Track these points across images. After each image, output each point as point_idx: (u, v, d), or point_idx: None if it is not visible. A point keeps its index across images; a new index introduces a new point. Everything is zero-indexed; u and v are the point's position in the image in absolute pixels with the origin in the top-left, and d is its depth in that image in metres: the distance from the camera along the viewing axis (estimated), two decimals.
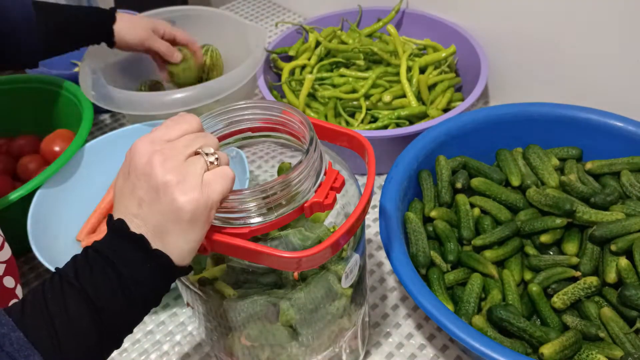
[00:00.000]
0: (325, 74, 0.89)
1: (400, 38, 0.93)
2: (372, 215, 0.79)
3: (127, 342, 0.67)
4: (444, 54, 0.88)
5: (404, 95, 0.84)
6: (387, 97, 0.82)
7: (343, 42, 0.93)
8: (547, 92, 0.87)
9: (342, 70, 0.88)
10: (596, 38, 0.77)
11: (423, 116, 0.82)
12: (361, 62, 0.88)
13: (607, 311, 0.56)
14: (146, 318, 0.69)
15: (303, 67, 0.94)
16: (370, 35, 0.96)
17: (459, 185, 0.68)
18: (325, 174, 0.41)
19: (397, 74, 0.86)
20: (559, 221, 0.60)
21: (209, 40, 1.01)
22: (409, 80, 0.84)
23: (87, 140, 0.79)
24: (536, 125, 0.71)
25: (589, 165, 0.68)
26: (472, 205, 0.67)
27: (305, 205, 0.40)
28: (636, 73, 0.75)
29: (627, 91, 0.77)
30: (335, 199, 0.40)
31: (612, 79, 0.78)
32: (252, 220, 0.38)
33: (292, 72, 0.93)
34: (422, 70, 0.88)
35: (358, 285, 0.50)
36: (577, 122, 0.70)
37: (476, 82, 0.81)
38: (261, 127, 0.45)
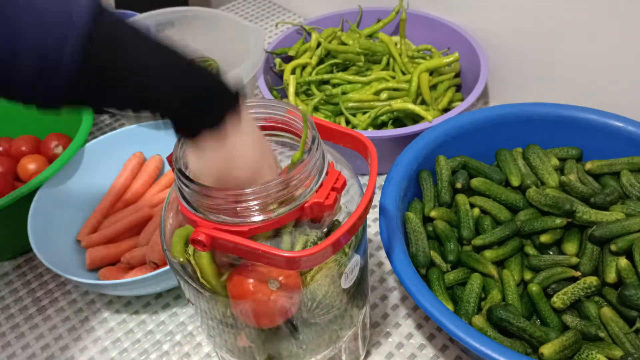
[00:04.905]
0: (325, 76, 0.89)
1: (396, 40, 0.93)
2: (372, 215, 0.79)
3: (127, 342, 0.67)
4: (446, 60, 0.86)
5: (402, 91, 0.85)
6: (384, 95, 0.83)
7: (343, 43, 0.93)
8: (547, 92, 0.87)
9: (341, 75, 0.88)
10: (596, 38, 0.77)
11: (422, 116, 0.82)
12: (361, 64, 0.89)
13: (607, 311, 0.56)
14: (146, 318, 0.69)
15: (304, 67, 0.94)
16: (370, 36, 0.96)
17: (458, 185, 0.68)
18: (326, 174, 0.41)
19: (395, 77, 0.87)
20: (558, 221, 0.60)
21: (207, 40, 1.01)
22: (409, 81, 0.84)
23: (87, 141, 0.79)
24: (536, 125, 0.71)
25: (588, 166, 0.68)
26: (472, 205, 0.67)
27: (306, 205, 0.40)
28: (636, 73, 0.75)
29: (627, 91, 0.77)
30: (336, 200, 0.40)
31: (612, 79, 0.78)
32: (253, 219, 0.38)
33: (293, 72, 0.92)
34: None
35: (359, 286, 0.50)
36: (577, 122, 0.70)
37: (476, 82, 0.82)
38: (264, 126, 0.45)
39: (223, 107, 0.39)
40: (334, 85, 0.89)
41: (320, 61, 0.94)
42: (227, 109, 0.39)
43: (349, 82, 0.88)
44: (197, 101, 0.37)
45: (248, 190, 0.37)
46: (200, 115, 0.38)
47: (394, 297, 0.69)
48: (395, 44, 0.93)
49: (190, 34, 1.03)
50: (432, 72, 0.88)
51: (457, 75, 0.92)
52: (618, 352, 0.53)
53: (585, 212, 0.60)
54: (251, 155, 0.41)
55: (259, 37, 0.91)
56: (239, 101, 0.39)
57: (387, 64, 0.91)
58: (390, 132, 0.75)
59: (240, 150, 0.40)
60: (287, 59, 0.97)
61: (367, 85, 0.87)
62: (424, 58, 0.92)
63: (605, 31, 0.75)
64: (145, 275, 0.60)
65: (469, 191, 0.69)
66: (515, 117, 0.71)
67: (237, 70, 0.84)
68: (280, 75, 0.95)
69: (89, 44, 0.33)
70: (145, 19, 0.99)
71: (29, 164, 0.82)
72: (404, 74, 0.89)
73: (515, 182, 0.67)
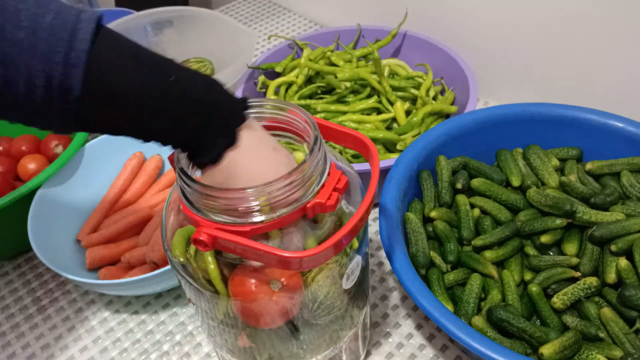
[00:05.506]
0: (308, 101, 0.84)
1: (391, 62, 0.90)
2: (372, 214, 0.79)
3: (127, 342, 0.67)
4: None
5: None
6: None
7: (332, 64, 0.87)
8: (547, 93, 0.87)
9: (322, 104, 0.83)
10: (596, 38, 0.77)
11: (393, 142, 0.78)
12: (340, 91, 0.84)
13: (607, 311, 0.56)
14: (146, 318, 0.69)
15: (290, 85, 0.88)
16: (365, 57, 0.90)
17: (459, 185, 0.68)
18: (328, 174, 0.41)
19: (381, 102, 0.83)
20: (559, 221, 0.60)
21: (203, 41, 1.01)
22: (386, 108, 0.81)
23: (87, 141, 0.79)
24: (536, 125, 0.71)
25: (589, 166, 0.68)
26: (472, 206, 0.67)
27: (308, 205, 0.40)
28: (636, 73, 0.75)
29: (627, 91, 0.77)
30: (338, 200, 0.40)
31: (612, 79, 0.78)
32: (254, 219, 0.38)
33: (277, 90, 0.87)
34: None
35: (360, 287, 0.50)
36: (577, 122, 0.70)
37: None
38: (266, 125, 0.45)
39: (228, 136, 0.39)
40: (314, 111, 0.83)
41: (310, 80, 0.88)
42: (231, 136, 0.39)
43: (329, 111, 0.82)
44: (203, 133, 0.38)
45: (250, 191, 0.37)
46: (208, 145, 0.39)
47: (394, 297, 0.69)
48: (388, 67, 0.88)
49: (187, 33, 1.03)
50: (414, 101, 0.83)
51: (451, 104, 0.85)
52: (618, 353, 0.53)
53: (585, 213, 0.61)
54: (254, 171, 0.40)
55: (251, 40, 0.91)
56: (243, 119, 0.40)
57: (373, 88, 0.85)
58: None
59: (240, 168, 0.40)
60: (274, 75, 0.91)
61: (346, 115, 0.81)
62: (415, 87, 0.86)
63: (606, 32, 0.75)
64: (145, 275, 0.60)
65: (469, 191, 0.69)
66: (515, 117, 0.71)
67: (227, 70, 0.85)
68: (261, 94, 0.89)
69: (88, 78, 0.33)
70: (143, 18, 0.99)
71: (29, 164, 0.82)
72: (391, 103, 0.83)
73: (515, 182, 0.67)
